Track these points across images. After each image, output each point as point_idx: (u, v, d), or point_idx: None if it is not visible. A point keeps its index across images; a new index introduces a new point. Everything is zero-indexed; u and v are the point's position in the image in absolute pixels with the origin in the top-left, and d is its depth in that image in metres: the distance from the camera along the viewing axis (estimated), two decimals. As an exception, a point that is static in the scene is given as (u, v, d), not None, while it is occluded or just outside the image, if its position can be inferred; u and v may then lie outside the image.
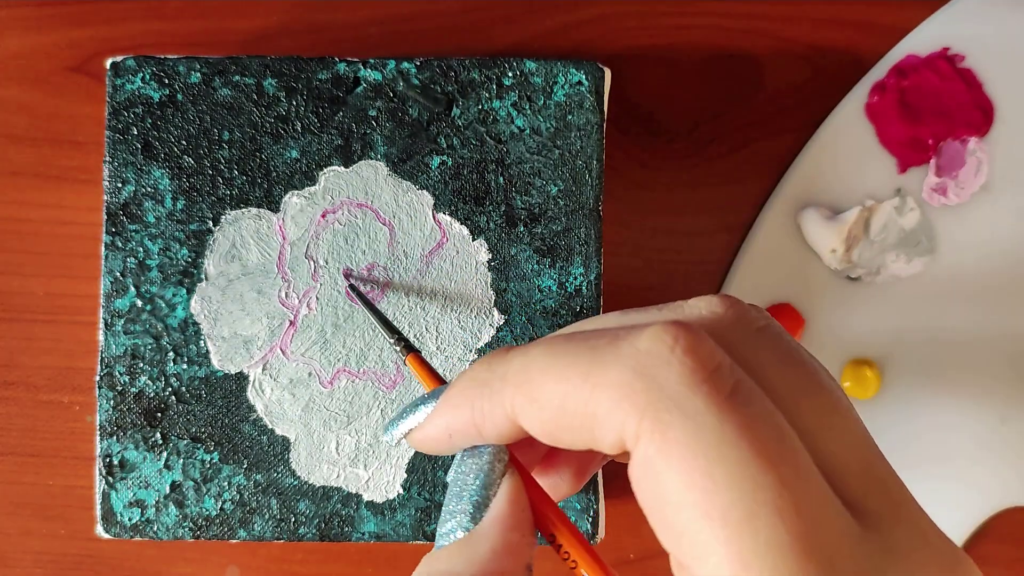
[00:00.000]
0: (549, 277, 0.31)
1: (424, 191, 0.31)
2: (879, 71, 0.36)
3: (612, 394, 0.16)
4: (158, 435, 0.31)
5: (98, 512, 0.30)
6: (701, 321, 0.18)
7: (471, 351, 0.31)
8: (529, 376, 0.18)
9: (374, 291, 0.31)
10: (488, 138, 0.31)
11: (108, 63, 0.31)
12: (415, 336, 0.31)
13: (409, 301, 0.31)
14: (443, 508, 0.19)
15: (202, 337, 0.31)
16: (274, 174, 0.31)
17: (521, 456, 0.21)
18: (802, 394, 0.17)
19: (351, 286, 0.30)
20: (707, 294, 0.19)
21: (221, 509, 0.31)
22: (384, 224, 0.31)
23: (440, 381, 0.24)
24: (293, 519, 0.31)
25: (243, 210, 0.31)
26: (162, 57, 0.31)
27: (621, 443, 0.17)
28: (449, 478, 0.20)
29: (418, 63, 0.31)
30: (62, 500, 0.36)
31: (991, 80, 0.35)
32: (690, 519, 0.15)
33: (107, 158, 0.31)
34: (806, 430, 0.16)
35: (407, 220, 0.31)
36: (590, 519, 0.31)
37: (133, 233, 0.31)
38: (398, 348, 0.26)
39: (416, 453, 0.31)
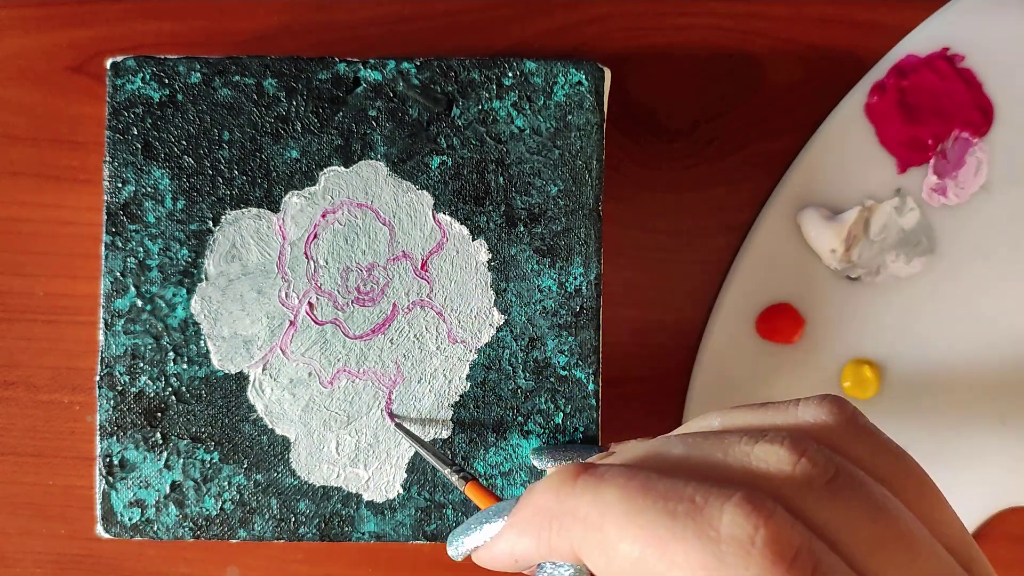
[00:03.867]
0: (549, 277, 0.31)
1: (424, 191, 0.31)
2: (879, 71, 0.36)
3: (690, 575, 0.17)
4: (158, 435, 0.31)
5: (98, 512, 0.30)
6: (769, 479, 0.18)
7: (471, 351, 0.31)
8: (601, 525, 0.18)
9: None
10: (488, 138, 0.31)
11: (108, 63, 0.31)
12: (415, 336, 0.31)
13: (409, 301, 0.31)
14: None
15: (202, 337, 0.31)
16: (274, 174, 0.31)
17: None
18: (879, 550, 0.18)
19: (397, 424, 0.31)
20: (772, 437, 0.19)
21: (221, 509, 0.31)
22: (384, 224, 0.31)
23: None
24: (293, 519, 0.31)
25: (243, 210, 0.31)
26: (162, 57, 0.31)
27: None
28: None
29: (418, 63, 0.31)
30: (62, 500, 0.36)
31: (991, 80, 0.35)
32: None
33: (107, 158, 0.31)
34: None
35: (407, 220, 0.31)
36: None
37: (133, 233, 0.31)
38: (454, 478, 0.27)
39: (416, 453, 0.31)
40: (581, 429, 0.31)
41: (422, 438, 0.30)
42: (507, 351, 0.31)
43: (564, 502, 0.19)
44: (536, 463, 0.30)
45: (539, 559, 0.20)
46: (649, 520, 0.17)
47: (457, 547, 0.23)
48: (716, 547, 0.17)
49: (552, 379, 0.31)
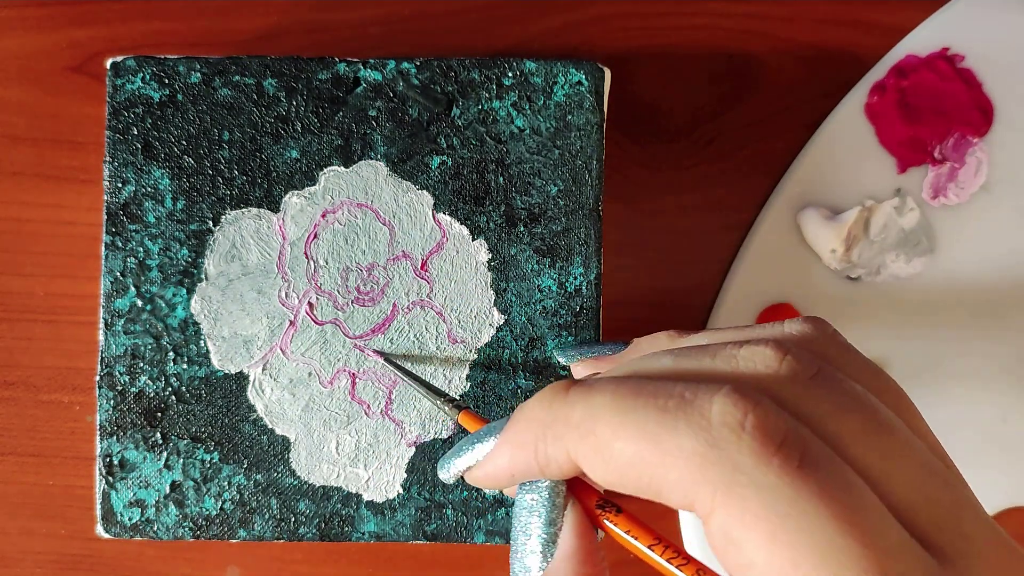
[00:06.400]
0: (549, 277, 0.31)
1: (424, 191, 0.31)
2: (879, 71, 0.36)
3: (684, 464, 0.17)
4: (158, 435, 0.31)
5: (98, 512, 0.30)
6: (756, 377, 0.19)
7: (471, 351, 0.31)
8: (594, 428, 0.18)
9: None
10: (488, 138, 0.31)
11: (108, 63, 0.31)
12: (415, 336, 0.31)
13: (409, 301, 0.31)
14: (511, 548, 0.20)
15: (202, 337, 0.31)
16: (274, 174, 0.31)
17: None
18: (861, 439, 0.18)
19: (386, 358, 0.30)
20: (757, 341, 0.19)
21: (221, 509, 0.31)
22: (384, 224, 0.31)
23: None
24: (293, 519, 0.31)
25: (243, 210, 0.31)
26: (162, 57, 0.31)
27: (689, 505, 0.17)
28: (513, 517, 0.21)
29: (418, 63, 0.31)
30: (62, 500, 0.36)
31: (991, 80, 0.35)
32: None
33: (107, 158, 0.31)
34: (871, 475, 0.17)
35: (407, 220, 0.31)
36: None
37: (133, 233, 0.31)
38: (446, 408, 0.27)
39: (415, 452, 0.31)
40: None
41: (411, 371, 0.30)
42: (507, 351, 0.31)
43: (556, 411, 0.19)
44: (560, 359, 0.30)
45: (535, 472, 0.20)
46: (640, 417, 0.18)
47: (448, 469, 0.22)
48: (707, 434, 0.17)
49: (552, 379, 0.31)
